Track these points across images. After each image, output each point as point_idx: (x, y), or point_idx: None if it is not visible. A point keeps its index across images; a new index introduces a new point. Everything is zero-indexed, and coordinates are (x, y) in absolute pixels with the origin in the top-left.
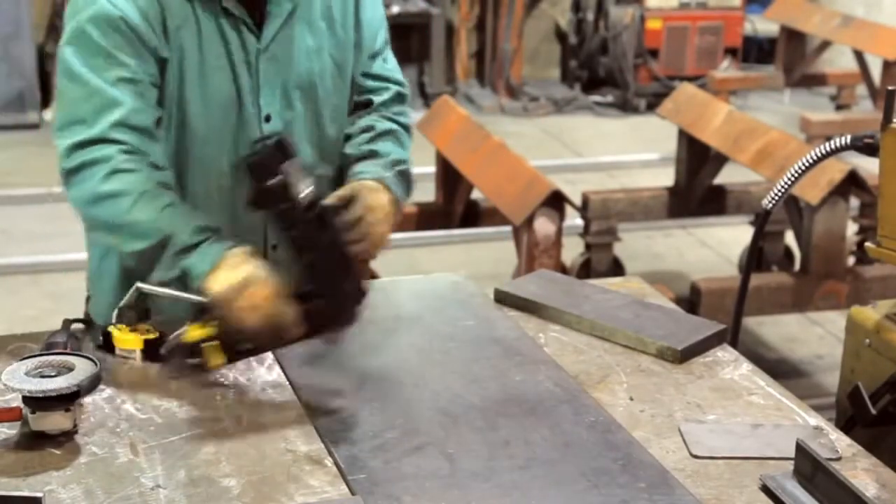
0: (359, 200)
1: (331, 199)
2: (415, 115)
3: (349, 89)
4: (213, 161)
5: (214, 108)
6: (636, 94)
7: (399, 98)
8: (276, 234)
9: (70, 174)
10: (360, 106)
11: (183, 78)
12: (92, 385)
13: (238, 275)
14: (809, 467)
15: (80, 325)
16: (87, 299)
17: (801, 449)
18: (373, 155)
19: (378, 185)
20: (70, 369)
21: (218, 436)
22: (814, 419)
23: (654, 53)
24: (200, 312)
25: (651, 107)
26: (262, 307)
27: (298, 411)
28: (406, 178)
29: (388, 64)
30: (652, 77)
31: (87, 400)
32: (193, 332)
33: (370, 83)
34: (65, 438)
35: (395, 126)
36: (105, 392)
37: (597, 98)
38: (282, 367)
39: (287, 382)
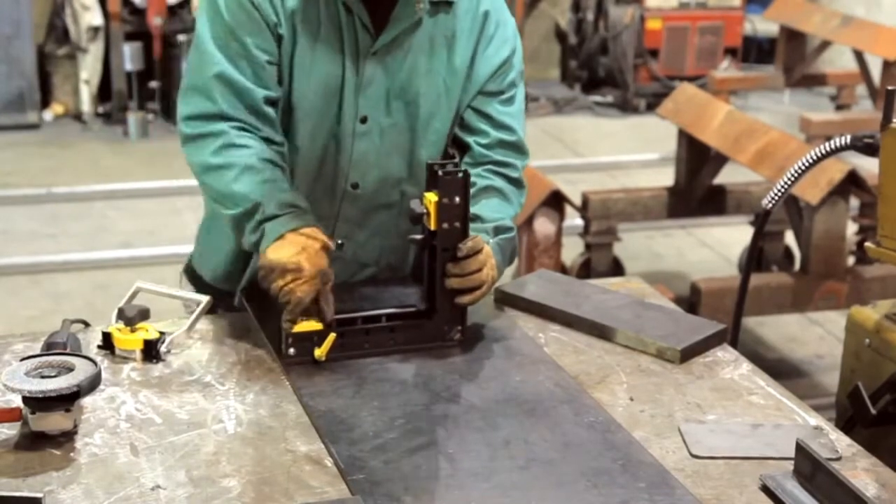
0: (483, 253)
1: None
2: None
3: (453, 118)
4: (308, 146)
5: (318, 94)
6: (636, 94)
7: (503, 145)
8: (344, 232)
9: (187, 141)
10: (458, 144)
11: (293, 59)
12: (92, 385)
13: (292, 258)
14: (809, 467)
15: (80, 325)
16: (191, 258)
17: (801, 449)
18: (475, 219)
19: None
20: (70, 369)
21: (218, 436)
22: (814, 419)
23: (653, 53)
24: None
25: (651, 107)
26: (298, 291)
27: (298, 411)
28: (509, 245)
29: (506, 109)
30: (652, 77)
31: (87, 400)
32: (303, 325)
33: (475, 121)
34: (65, 439)
35: (498, 182)
36: (105, 392)
37: (597, 98)
38: (282, 368)
39: (287, 382)
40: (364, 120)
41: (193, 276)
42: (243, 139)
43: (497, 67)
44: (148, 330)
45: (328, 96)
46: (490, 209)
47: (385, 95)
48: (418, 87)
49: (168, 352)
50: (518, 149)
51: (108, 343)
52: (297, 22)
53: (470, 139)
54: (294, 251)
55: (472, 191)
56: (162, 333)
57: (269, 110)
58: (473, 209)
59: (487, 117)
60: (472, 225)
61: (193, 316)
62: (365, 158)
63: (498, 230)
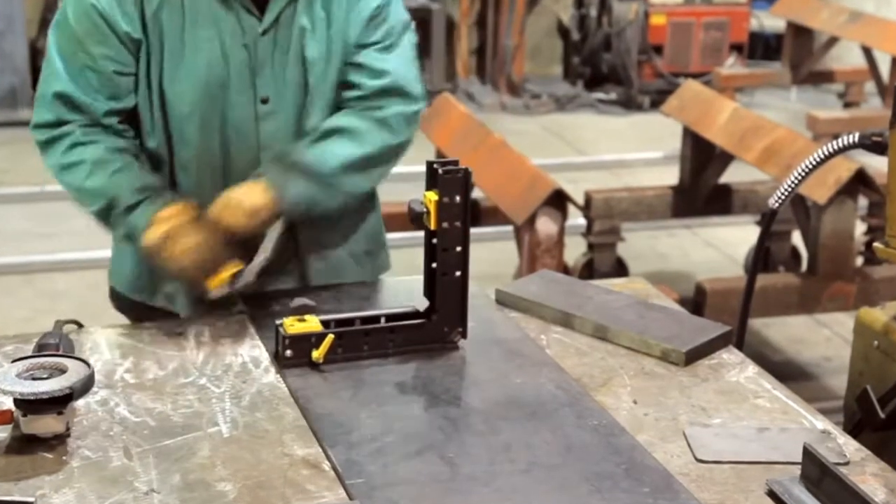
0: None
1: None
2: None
3: (335, 79)
4: (201, 140)
5: (198, 90)
6: (640, 91)
7: (380, 93)
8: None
9: (40, 147)
10: (344, 101)
11: (163, 58)
12: (85, 387)
13: (162, 228)
14: (817, 472)
15: (72, 326)
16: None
17: (808, 453)
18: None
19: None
20: (62, 371)
21: (213, 439)
22: (821, 423)
23: (658, 50)
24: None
25: (655, 104)
26: (184, 257)
27: (295, 414)
28: (296, 169)
29: (383, 55)
30: (656, 74)
31: (79, 403)
32: (300, 326)
33: (352, 76)
34: (57, 442)
35: (354, 121)
36: (98, 395)
37: (600, 95)
38: (278, 370)
39: (284, 385)
40: (265, 101)
41: (112, 293)
42: (90, 136)
43: (368, 19)
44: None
45: (211, 89)
46: (313, 149)
47: (280, 71)
48: (305, 56)
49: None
50: (397, 92)
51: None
52: (162, 24)
53: (349, 94)
54: (161, 231)
55: (314, 136)
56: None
57: (112, 121)
58: (146, 182)
59: (362, 67)
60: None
61: (267, 242)
62: (274, 137)
63: (294, 162)
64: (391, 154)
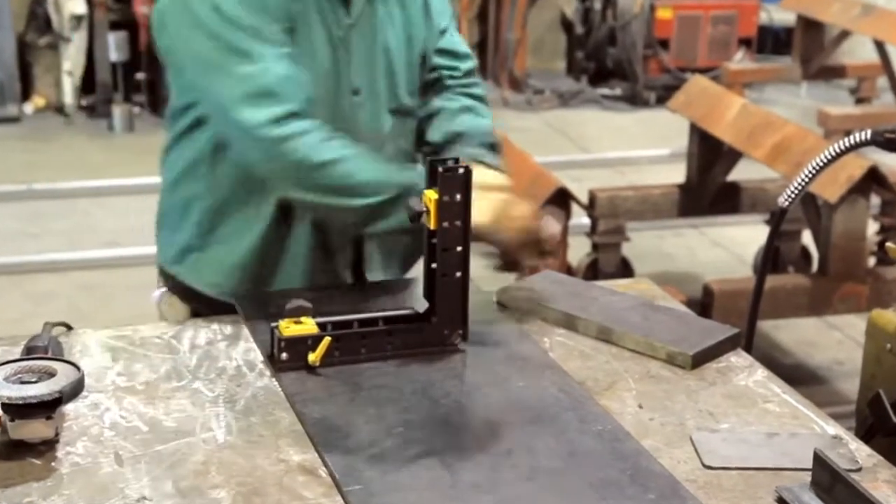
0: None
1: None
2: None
3: (418, 64)
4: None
5: (316, 79)
6: (646, 86)
7: (468, 75)
8: None
9: (277, 143)
10: (431, 83)
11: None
12: (74, 391)
13: (495, 201)
14: (828, 478)
15: (62, 328)
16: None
17: (818, 459)
18: (460, 137)
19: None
20: (51, 375)
21: (207, 445)
22: (832, 428)
23: (664, 44)
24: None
25: (661, 100)
26: (525, 223)
27: (291, 419)
28: (496, 148)
29: (455, 37)
30: (662, 69)
31: (69, 407)
32: (295, 329)
33: (441, 61)
34: (46, 448)
35: (467, 101)
36: (88, 399)
37: (604, 91)
38: (274, 373)
39: (279, 388)
40: (357, 92)
41: (185, 292)
42: (326, 131)
43: (445, 4)
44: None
45: (326, 78)
46: (470, 124)
47: (369, 62)
48: (389, 44)
49: None
50: (475, 71)
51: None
52: (294, 13)
53: (445, 78)
54: (481, 195)
55: (444, 114)
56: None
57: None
58: (455, 127)
59: (452, 53)
60: (458, 144)
61: None
62: (369, 126)
63: (483, 137)
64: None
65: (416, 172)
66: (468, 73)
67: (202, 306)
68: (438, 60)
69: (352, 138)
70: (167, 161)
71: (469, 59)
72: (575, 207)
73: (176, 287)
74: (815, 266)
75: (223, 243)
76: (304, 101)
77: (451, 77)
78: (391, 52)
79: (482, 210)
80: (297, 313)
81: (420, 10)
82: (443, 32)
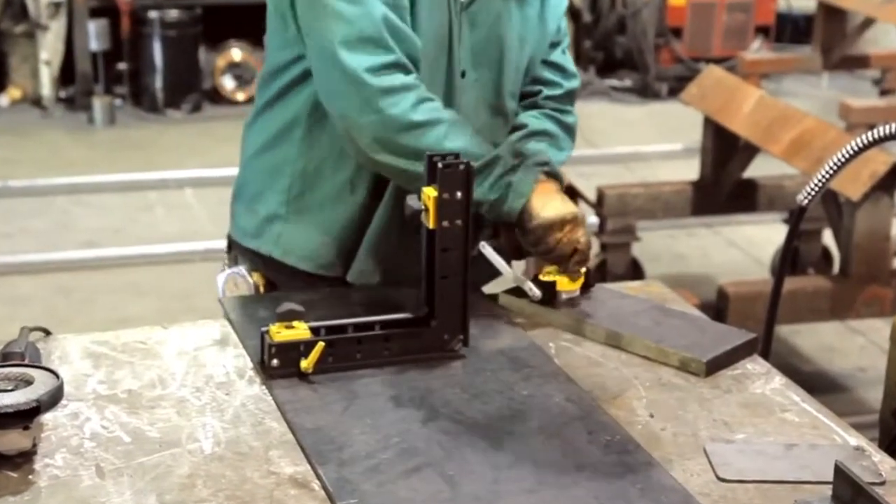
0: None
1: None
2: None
3: (524, 68)
4: None
5: (432, 47)
6: (657, 77)
7: (568, 96)
8: None
9: (380, 95)
10: (528, 95)
11: (414, 8)
12: (53, 400)
13: (568, 208)
14: (849, 492)
15: (39, 334)
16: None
17: (840, 472)
18: (520, 156)
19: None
20: (29, 382)
21: (193, 456)
22: (854, 439)
23: (677, 32)
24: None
25: (674, 92)
26: (578, 243)
27: (282, 429)
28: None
29: (566, 55)
30: (675, 59)
31: (47, 417)
32: (287, 333)
33: (546, 74)
34: (23, 459)
35: (552, 127)
36: (67, 408)
37: (614, 82)
38: (264, 380)
39: (269, 397)
40: (463, 74)
41: (268, 266)
42: (428, 92)
43: (561, 16)
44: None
45: (439, 49)
46: (536, 147)
47: (477, 48)
48: (502, 40)
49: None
50: (575, 96)
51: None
52: None
53: (541, 88)
54: (561, 199)
55: (524, 132)
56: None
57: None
58: (521, 146)
59: (560, 68)
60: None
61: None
62: (468, 110)
63: (540, 164)
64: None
65: (511, 150)
66: (568, 94)
67: (285, 278)
68: (543, 72)
69: None
70: (254, 129)
71: (574, 79)
72: (582, 205)
73: (254, 263)
74: (836, 267)
75: (314, 212)
76: (408, 54)
77: (551, 95)
78: (504, 46)
79: (549, 207)
80: (288, 317)
81: (536, 13)
82: (554, 46)
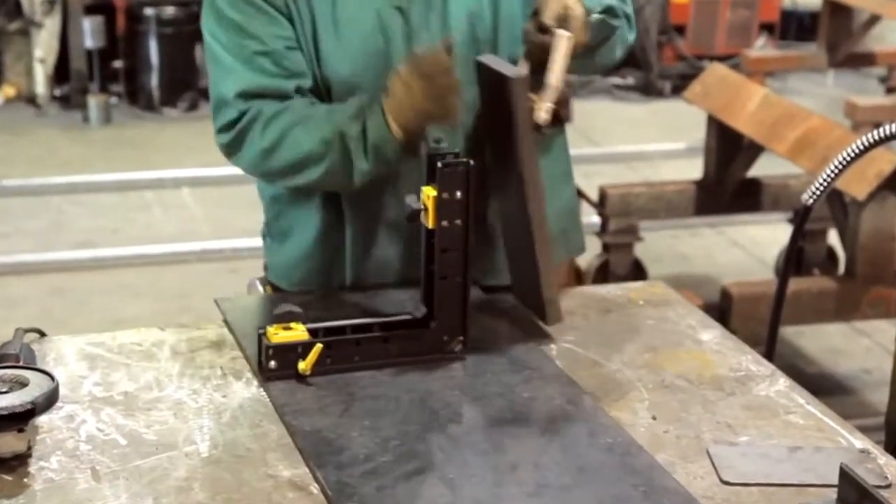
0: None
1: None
2: None
3: (507, 30)
4: None
5: (358, 57)
6: (660, 75)
7: (611, 11)
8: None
9: (230, 150)
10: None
11: (316, 32)
12: (48, 402)
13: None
14: (855, 496)
15: (34, 335)
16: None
17: (845, 475)
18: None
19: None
20: (23, 385)
21: (190, 459)
22: (860, 441)
23: (680, 30)
24: None
25: (677, 90)
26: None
27: (280, 431)
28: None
29: None
30: (678, 56)
31: (42, 419)
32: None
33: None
34: (17, 462)
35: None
36: (63, 410)
37: (615, 80)
38: (261, 382)
39: (267, 399)
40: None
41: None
42: (275, 108)
43: None
44: None
45: (370, 62)
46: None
47: (439, 33)
48: (470, 9)
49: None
50: (630, 20)
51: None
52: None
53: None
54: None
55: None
56: None
57: (293, 94)
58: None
59: None
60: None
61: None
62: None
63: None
64: (619, 41)
65: (347, 116)
66: (610, 11)
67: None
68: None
69: None
70: None
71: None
72: (584, 205)
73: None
74: (841, 268)
75: (288, 234)
76: (257, 98)
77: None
78: (473, 19)
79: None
80: (286, 318)
81: None
82: None
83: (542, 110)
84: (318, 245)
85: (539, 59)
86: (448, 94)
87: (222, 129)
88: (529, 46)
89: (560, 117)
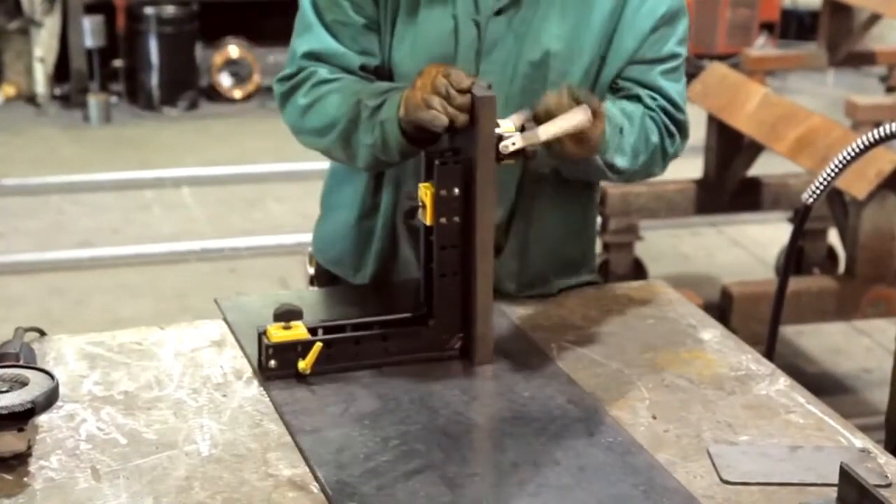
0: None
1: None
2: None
3: (582, 81)
4: None
5: (424, 56)
6: None
7: (666, 113)
8: None
9: (281, 102)
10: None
11: (396, 20)
12: (48, 402)
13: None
14: (855, 495)
15: (34, 334)
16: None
17: (845, 474)
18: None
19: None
20: (23, 384)
21: (190, 458)
22: (860, 441)
23: None
24: None
25: None
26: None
27: (280, 431)
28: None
29: (672, 85)
30: None
31: (42, 418)
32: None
33: (636, 89)
34: (17, 462)
35: (650, 121)
36: (63, 409)
37: None
38: (261, 382)
39: (267, 398)
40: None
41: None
42: (337, 74)
43: (650, 30)
44: None
45: (435, 62)
46: (619, 110)
47: (512, 59)
48: (549, 48)
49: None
50: (682, 129)
51: None
52: None
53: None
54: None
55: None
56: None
57: (364, 76)
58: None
59: (647, 86)
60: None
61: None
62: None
63: (617, 127)
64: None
65: (376, 91)
66: (665, 112)
67: (319, 272)
68: (632, 87)
69: None
70: None
71: (674, 108)
72: None
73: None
74: (841, 267)
75: (333, 209)
76: (322, 63)
77: (647, 104)
78: (549, 60)
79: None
80: (286, 317)
81: (602, 21)
82: (644, 63)
83: (511, 142)
84: (355, 229)
85: (542, 119)
86: (441, 109)
87: (281, 80)
88: (544, 101)
89: (527, 155)
